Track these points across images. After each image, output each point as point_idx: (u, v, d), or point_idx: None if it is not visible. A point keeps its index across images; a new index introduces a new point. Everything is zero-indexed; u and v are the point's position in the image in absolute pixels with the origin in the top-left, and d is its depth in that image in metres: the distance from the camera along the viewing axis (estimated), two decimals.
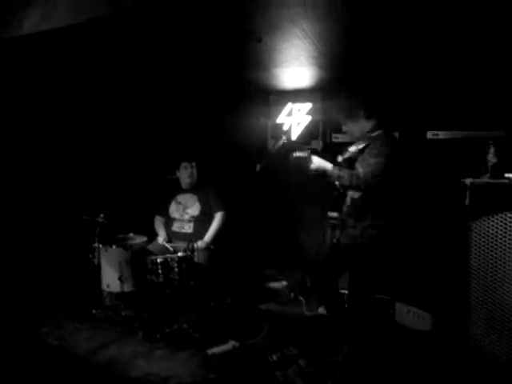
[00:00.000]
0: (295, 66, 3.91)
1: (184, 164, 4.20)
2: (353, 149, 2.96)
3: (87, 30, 2.94)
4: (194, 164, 4.23)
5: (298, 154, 2.88)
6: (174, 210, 4.21)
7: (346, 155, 2.98)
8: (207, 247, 3.90)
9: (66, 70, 3.96)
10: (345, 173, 2.78)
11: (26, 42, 3.14)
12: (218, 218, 4.10)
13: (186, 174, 4.19)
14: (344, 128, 3.09)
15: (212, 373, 2.88)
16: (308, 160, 2.85)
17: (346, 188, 2.96)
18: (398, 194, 2.89)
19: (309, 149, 2.97)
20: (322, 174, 2.87)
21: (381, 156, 2.71)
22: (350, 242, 2.89)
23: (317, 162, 2.86)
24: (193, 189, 4.24)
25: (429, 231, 3.71)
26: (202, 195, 4.18)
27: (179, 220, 4.15)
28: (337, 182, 2.96)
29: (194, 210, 4.13)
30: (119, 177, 5.06)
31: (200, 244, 3.82)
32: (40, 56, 3.50)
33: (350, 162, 2.91)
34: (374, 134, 2.90)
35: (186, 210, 4.16)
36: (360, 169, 2.77)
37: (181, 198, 4.24)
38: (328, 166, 2.86)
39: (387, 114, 3.64)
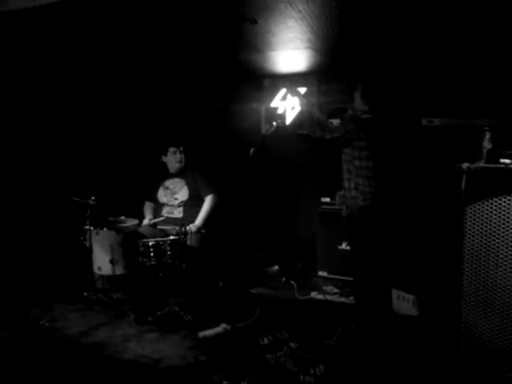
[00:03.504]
0: (290, 49, 3.87)
1: (172, 149, 4.12)
2: None
3: (74, 7, 2.86)
4: (181, 149, 4.15)
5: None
6: (162, 196, 4.15)
7: None
8: (198, 231, 3.87)
9: (54, 50, 3.87)
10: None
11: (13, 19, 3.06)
12: (208, 201, 4.02)
13: (174, 160, 4.11)
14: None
15: (203, 355, 2.88)
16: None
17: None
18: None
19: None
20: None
21: None
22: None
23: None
24: (180, 173, 4.16)
25: (423, 216, 3.72)
26: (190, 179, 4.10)
27: (168, 205, 4.09)
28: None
29: (183, 194, 4.06)
30: (110, 160, 5.01)
31: (191, 227, 3.78)
32: (26, 33, 3.42)
33: None
34: None
35: (174, 195, 4.09)
36: None
37: (168, 183, 4.16)
38: None
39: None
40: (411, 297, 3.57)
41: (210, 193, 4.05)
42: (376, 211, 2.84)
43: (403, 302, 3.62)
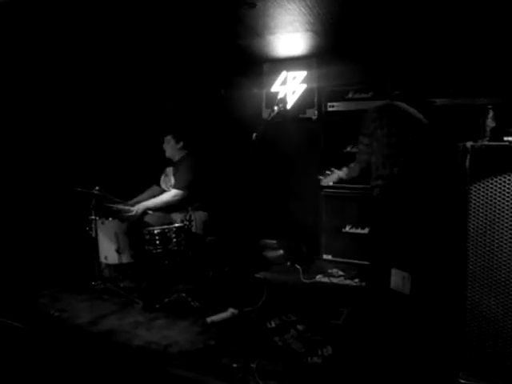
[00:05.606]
0: (289, 32, 3.83)
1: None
2: None
3: None
4: (169, 138, 4.12)
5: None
6: (162, 182, 4.25)
7: None
8: (134, 212, 3.85)
9: (51, 37, 3.84)
10: (350, 169, 3.34)
11: None
12: (167, 194, 3.95)
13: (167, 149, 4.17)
14: None
15: (212, 339, 2.92)
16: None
17: None
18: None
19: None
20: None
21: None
22: None
23: (327, 179, 3.43)
24: (178, 161, 4.18)
25: (425, 195, 3.72)
26: (176, 169, 4.11)
27: (166, 192, 4.13)
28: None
29: (172, 183, 4.10)
30: (114, 150, 5.00)
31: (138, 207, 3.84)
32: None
33: None
34: None
35: (168, 183, 4.16)
36: None
37: (168, 169, 4.25)
38: (339, 173, 3.37)
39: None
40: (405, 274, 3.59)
41: (175, 187, 3.97)
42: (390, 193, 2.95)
43: (408, 283, 3.63)
